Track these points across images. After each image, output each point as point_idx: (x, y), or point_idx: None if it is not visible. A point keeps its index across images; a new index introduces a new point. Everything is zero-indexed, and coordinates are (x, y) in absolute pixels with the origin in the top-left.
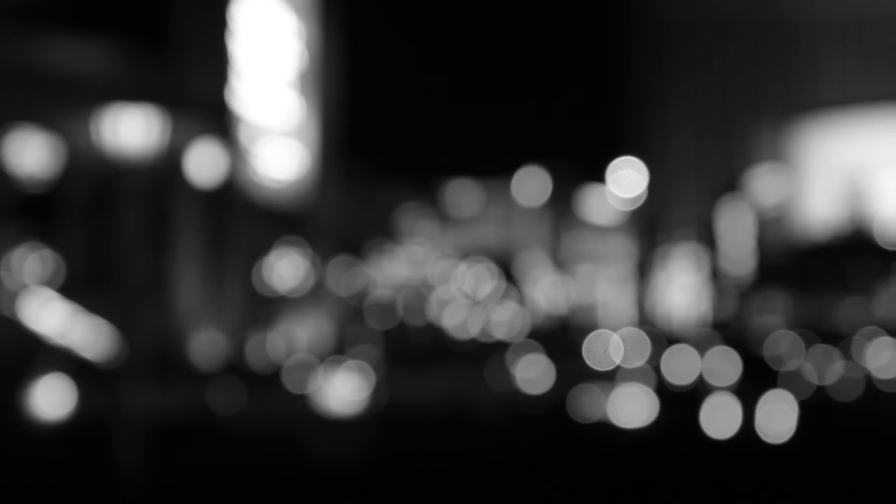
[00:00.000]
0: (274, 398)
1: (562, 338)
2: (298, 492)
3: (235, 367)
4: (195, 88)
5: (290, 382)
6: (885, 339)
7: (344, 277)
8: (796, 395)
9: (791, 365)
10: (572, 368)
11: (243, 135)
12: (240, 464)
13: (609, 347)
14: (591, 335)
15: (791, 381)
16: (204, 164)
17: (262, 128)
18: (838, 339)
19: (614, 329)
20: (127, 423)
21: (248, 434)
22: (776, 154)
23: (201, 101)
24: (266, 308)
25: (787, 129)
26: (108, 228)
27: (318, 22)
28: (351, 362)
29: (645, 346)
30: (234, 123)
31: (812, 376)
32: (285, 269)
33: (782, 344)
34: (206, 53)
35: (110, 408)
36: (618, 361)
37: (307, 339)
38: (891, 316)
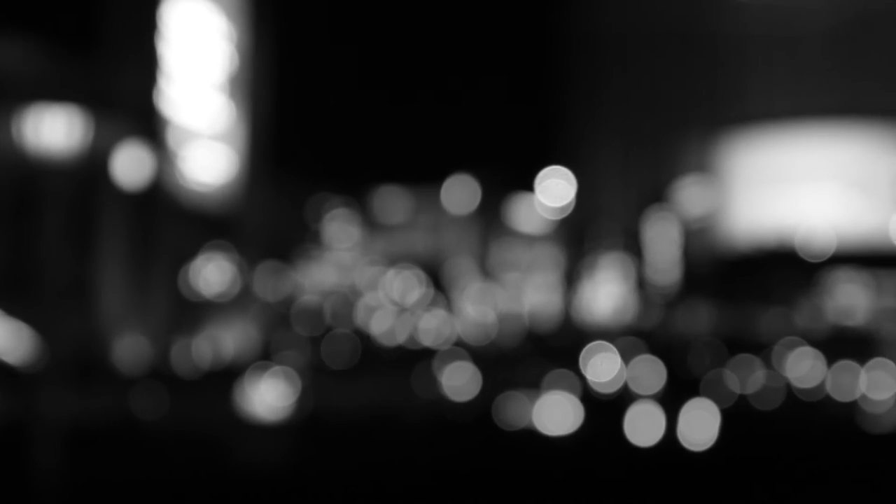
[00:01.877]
0: (198, 404)
1: (489, 346)
2: (221, 498)
3: (159, 372)
4: (122, 90)
5: (214, 388)
6: (806, 349)
7: (271, 283)
8: (718, 404)
9: (713, 374)
10: (499, 376)
11: (171, 137)
12: (162, 470)
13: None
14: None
15: (713, 390)
16: (130, 166)
17: (191, 131)
18: (760, 348)
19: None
20: (47, 428)
21: (172, 440)
22: (703, 166)
23: (128, 103)
24: (192, 313)
25: (713, 142)
26: (30, 231)
27: (249, 25)
28: (277, 368)
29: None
30: (162, 126)
31: (734, 385)
32: (212, 273)
33: (705, 353)
34: (133, 54)
35: (30, 413)
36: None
37: (233, 345)
38: (812, 326)
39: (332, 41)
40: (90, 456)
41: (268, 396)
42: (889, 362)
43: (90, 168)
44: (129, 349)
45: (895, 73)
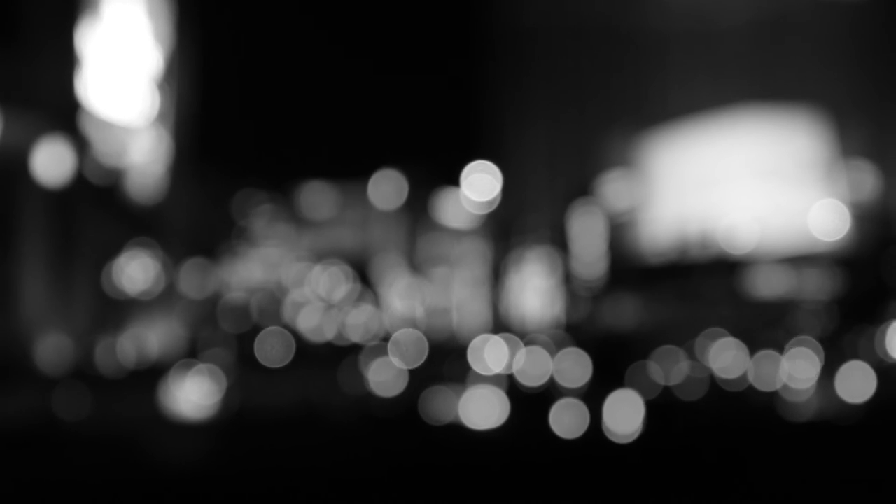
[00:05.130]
0: (122, 403)
1: (416, 341)
2: (145, 499)
3: (83, 372)
4: (40, 83)
5: (139, 387)
6: (729, 340)
7: (196, 280)
8: (643, 395)
9: (638, 366)
10: (425, 371)
11: (93, 133)
12: (85, 471)
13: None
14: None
15: (638, 381)
16: (50, 162)
17: (113, 126)
18: (684, 340)
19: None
20: None
21: (95, 440)
22: (627, 161)
23: (47, 97)
24: (116, 311)
25: (638, 137)
26: None
27: (173, 18)
28: (202, 366)
29: (499, 349)
30: (83, 120)
31: (658, 376)
32: (136, 271)
33: (630, 345)
34: (53, 48)
35: None
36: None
37: (158, 343)
38: (734, 318)
39: (259, 35)
40: (11, 458)
41: (193, 395)
42: (809, 352)
43: (8, 164)
44: (52, 349)
45: (815, 68)
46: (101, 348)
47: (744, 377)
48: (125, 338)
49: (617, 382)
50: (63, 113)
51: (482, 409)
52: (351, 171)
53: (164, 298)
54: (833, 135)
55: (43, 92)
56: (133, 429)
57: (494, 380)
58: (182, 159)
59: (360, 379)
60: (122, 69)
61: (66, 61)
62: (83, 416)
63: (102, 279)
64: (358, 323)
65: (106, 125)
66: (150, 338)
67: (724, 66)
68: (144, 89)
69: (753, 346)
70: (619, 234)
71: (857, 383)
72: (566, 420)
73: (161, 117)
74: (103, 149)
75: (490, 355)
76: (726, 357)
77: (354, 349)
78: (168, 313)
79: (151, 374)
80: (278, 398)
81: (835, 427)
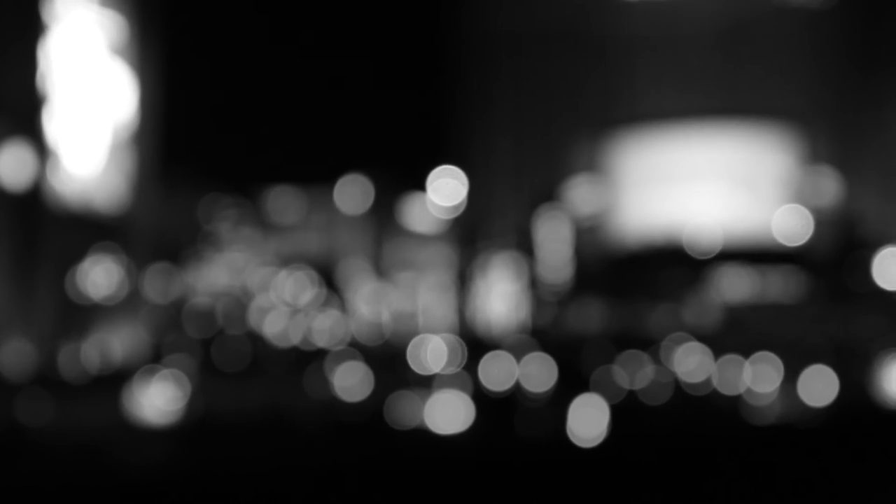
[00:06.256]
0: (86, 409)
1: (382, 345)
2: (108, 503)
3: (46, 378)
4: (3, 90)
5: (103, 392)
6: (694, 345)
7: (162, 285)
8: (608, 399)
9: (603, 370)
10: (391, 376)
11: (55, 139)
12: (49, 476)
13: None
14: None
15: (603, 386)
16: (13, 168)
17: (77, 132)
18: (649, 344)
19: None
20: None
21: (58, 446)
22: (593, 165)
23: (8, 103)
24: (79, 317)
25: (603, 141)
26: None
27: (136, 23)
28: (166, 371)
29: (463, 353)
30: (45, 126)
31: (623, 380)
32: (100, 276)
33: (596, 349)
34: (15, 54)
35: None
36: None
37: (121, 349)
38: (699, 322)
39: (224, 42)
40: None
41: (157, 400)
42: (773, 356)
43: None
44: (15, 354)
45: (777, 74)
46: (64, 354)
47: (708, 381)
48: (89, 343)
49: (582, 386)
50: (25, 119)
51: (447, 414)
52: (317, 175)
53: (129, 304)
54: (796, 141)
55: (5, 98)
56: (97, 434)
57: (459, 384)
58: (147, 164)
59: (326, 383)
60: (87, 76)
61: (27, 67)
62: (47, 422)
63: (66, 285)
64: (324, 328)
65: (71, 131)
66: (114, 343)
67: (689, 71)
68: (110, 96)
69: (718, 350)
70: (584, 238)
71: (819, 387)
72: (532, 424)
73: (127, 123)
74: (68, 155)
75: (431, 355)
76: (691, 361)
77: (320, 354)
78: (132, 318)
79: (115, 380)
80: (244, 403)
81: (797, 430)
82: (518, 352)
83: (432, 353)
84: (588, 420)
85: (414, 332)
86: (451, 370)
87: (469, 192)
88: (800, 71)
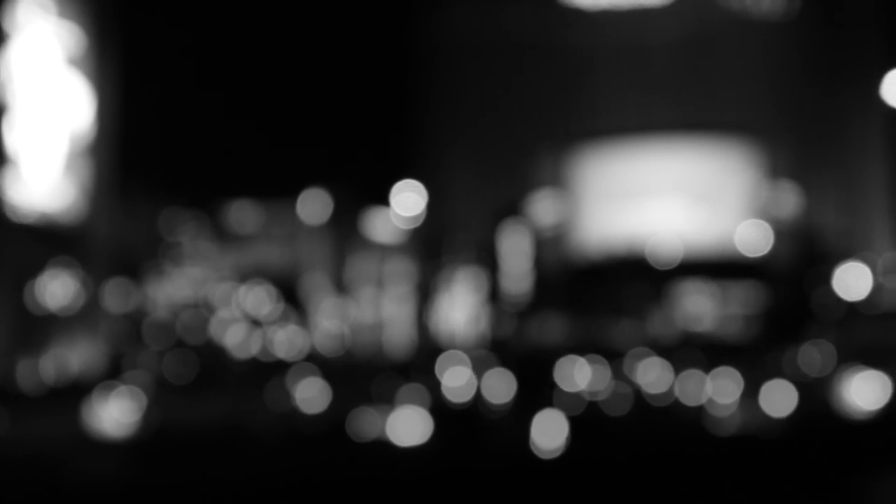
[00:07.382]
0: (43, 422)
1: (343, 358)
2: None
3: (2, 391)
4: None
5: (60, 405)
6: (655, 359)
7: (120, 298)
8: (569, 412)
9: (565, 382)
10: (351, 388)
11: (12, 150)
12: (5, 489)
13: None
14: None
15: (565, 398)
16: None
17: (34, 143)
18: (611, 357)
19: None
20: None
21: (15, 459)
22: (555, 179)
23: None
24: (36, 330)
25: (565, 155)
26: None
27: (94, 34)
28: (124, 384)
29: (423, 365)
30: (6, 137)
31: (584, 392)
32: (57, 289)
33: (557, 362)
34: None
35: None
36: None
37: (79, 362)
38: (661, 335)
39: (182, 55)
40: None
41: (115, 413)
42: (733, 369)
43: None
44: None
45: (739, 88)
46: (21, 367)
47: (670, 392)
48: (46, 356)
49: (543, 399)
50: None
51: (408, 426)
52: (277, 189)
53: (86, 317)
54: (757, 154)
55: None
56: (54, 448)
57: (419, 397)
58: (105, 177)
59: (286, 395)
60: (45, 87)
61: None
62: (2, 435)
63: (24, 298)
64: (283, 340)
65: (27, 143)
66: (72, 356)
67: (651, 83)
68: (67, 107)
69: (679, 364)
70: (545, 251)
71: (779, 398)
72: (492, 436)
73: (85, 134)
74: (25, 166)
75: (415, 373)
76: (653, 373)
77: (280, 366)
78: (90, 332)
79: (73, 393)
80: (203, 415)
81: (758, 441)
82: (479, 365)
83: (394, 364)
84: (549, 431)
85: (375, 344)
86: (412, 383)
87: (431, 205)
88: (760, 84)
